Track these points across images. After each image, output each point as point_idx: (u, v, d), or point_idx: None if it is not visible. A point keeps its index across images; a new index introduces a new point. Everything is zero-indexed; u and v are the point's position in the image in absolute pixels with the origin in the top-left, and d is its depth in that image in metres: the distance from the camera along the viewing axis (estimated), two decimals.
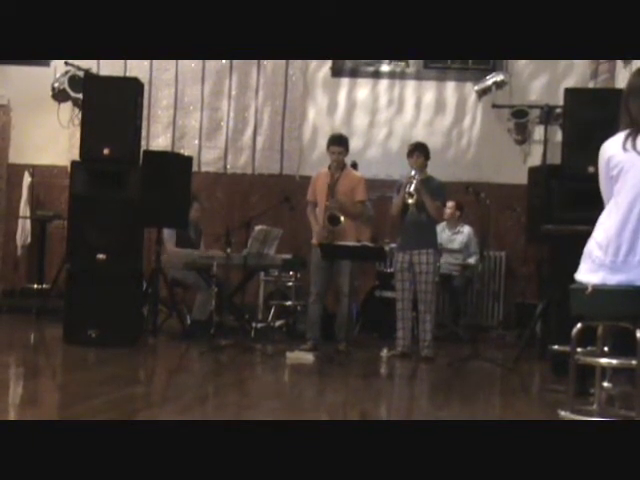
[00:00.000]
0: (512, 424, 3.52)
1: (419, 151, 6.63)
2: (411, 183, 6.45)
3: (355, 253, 6.32)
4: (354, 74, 9.24)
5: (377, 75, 9.22)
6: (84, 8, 3.51)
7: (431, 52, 4.37)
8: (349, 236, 6.56)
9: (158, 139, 9.22)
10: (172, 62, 9.18)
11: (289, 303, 7.84)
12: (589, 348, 3.77)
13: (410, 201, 6.46)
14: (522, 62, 8.83)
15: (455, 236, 8.43)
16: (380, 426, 3.60)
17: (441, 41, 3.61)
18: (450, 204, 8.06)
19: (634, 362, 3.42)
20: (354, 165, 7.22)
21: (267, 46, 3.57)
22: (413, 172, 6.51)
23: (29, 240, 9.16)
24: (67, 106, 8.82)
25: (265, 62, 9.17)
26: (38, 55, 4.08)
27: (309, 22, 3.50)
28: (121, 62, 9.05)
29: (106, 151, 6.38)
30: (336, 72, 9.23)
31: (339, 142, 6.68)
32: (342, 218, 6.49)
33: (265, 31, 3.56)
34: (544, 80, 8.87)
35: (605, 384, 3.74)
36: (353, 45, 3.53)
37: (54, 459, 2.45)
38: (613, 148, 3.42)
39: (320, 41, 3.54)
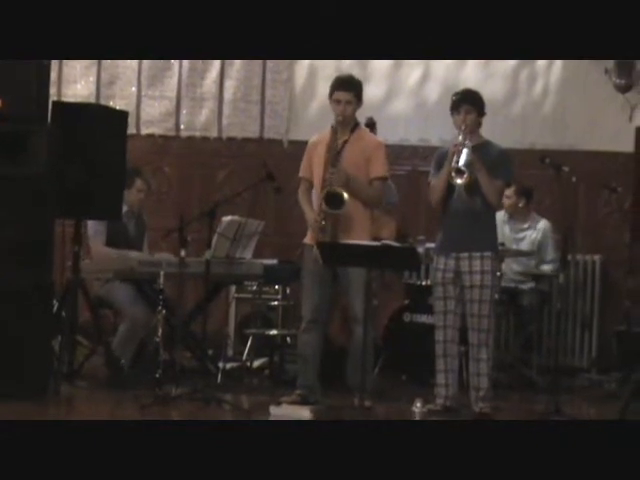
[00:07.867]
0: None
1: (469, 103, 6.61)
2: (459, 153, 6.42)
3: (372, 257, 6.18)
4: None
5: None
6: None
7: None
8: (362, 231, 6.56)
9: (75, 85, 9.26)
10: None
11: (274, 332, 7.87)
12: None
13: (459, 181, 6.42)
14: None
15: (523, 233, 8.40)
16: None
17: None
18: (508, 191, 7.89)
19: None
20: (371, 124, 7.24)
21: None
22: (461, 137, 6.49)
23: None
24: None
25: None
26: None
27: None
28: None
29: None
30: None
31: (347, 86, 6.64)
32: (346, 196, 6.38)
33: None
34: None
35: None
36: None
37: None
38: None
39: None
